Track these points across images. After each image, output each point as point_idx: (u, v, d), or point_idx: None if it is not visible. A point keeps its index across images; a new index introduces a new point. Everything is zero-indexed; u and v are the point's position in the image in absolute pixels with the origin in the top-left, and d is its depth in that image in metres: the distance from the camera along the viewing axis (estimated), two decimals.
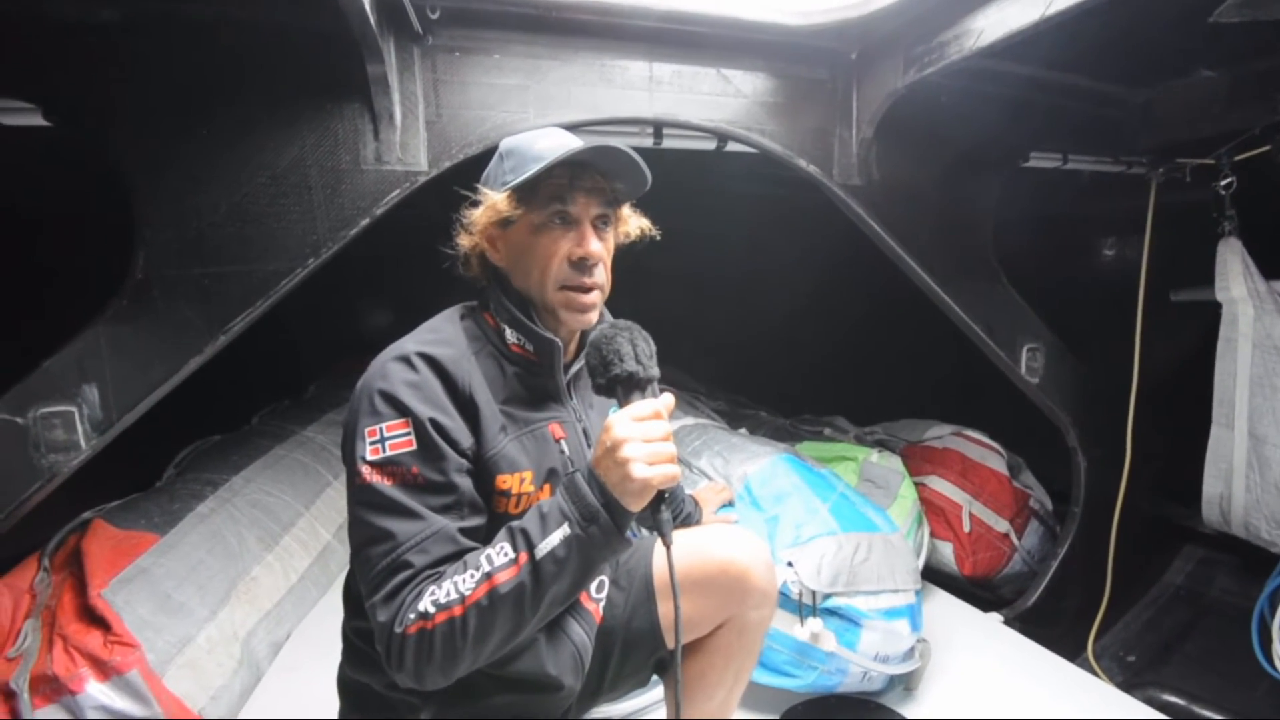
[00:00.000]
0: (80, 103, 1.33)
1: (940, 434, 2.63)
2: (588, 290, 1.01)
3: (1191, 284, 2.22)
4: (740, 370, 4.22)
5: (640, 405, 0.88)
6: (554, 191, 0.99)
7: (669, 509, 0.90)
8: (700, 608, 1.13)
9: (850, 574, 1.66)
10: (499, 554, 0.86)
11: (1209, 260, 2.09)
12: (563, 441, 1.04)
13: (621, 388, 0.92)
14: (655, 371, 0.95)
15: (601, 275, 1.03)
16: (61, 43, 1.30)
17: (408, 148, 1.46)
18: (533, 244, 1.01)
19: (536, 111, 1.55)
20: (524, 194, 0.99)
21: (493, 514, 0.96)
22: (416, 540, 0.86)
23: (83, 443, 1.32)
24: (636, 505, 0.86)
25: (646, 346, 0.95)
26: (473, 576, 0.84)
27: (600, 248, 1.01)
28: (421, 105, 1.47)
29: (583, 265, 1.00)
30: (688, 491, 1.61)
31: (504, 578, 0.84)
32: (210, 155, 1.36)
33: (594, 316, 1.04)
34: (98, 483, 1.75)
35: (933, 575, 2.32)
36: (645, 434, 0.85)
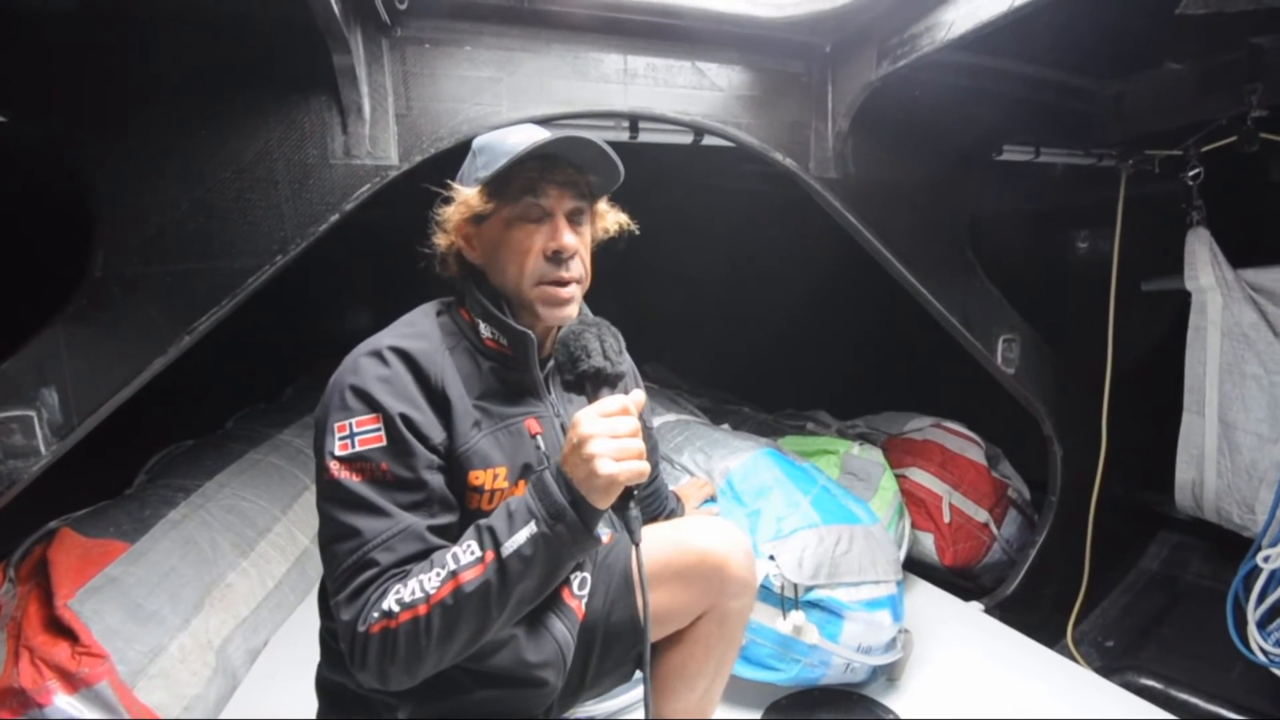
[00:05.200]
0: (35, 96, 1.28)
1: (920, 426, 2.65)
2: (565, 284, 1.01)
3: (1161, 274, 2.26)
4: (724, 367, 4.23)
5: (608, 401, 0.88)
6: (526, 185, 0.98)
7: (637, 505, 0.90)
8: (679, 598, 1.13)
9: (832, 566, 1.66)
10: (465, 552, 0.85)
11: (1178, 250, 2.12)
12: (539, 437, 1.03)
13: (590, 384, 0.92)
14: (624, 368, 0.95)
15: (578, 269, 1.02)
16: (14, 34, 1.25)
17: (377, 141, 1.43)
18: (507, 239, 1.00)
19: (510, 104, 1.53)
20: (496, 189, 0.99)
21: (466, 510, 0.95)
22: (383, 538, 0.85)
23: (43, 448, 1.27)
24: (604, 502, 0.85)
25: (615, 343, 0.95)
26: (438, 575, 0.83)
27: (575, 240, 1.01)
28: (391, 98, 1.44)
29: (558, 259, 0.99)
30: (670, 487, 1.60)
31: (469, 576, 0.83)
32: (171, 149, 1.32)
33: (572, 310, 1.03)
34: (65, 491, 1.71)
35: (914, 566, 2.34)
36: (612, 430, 0.84)
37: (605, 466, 0.82)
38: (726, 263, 4.38)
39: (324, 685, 1.08)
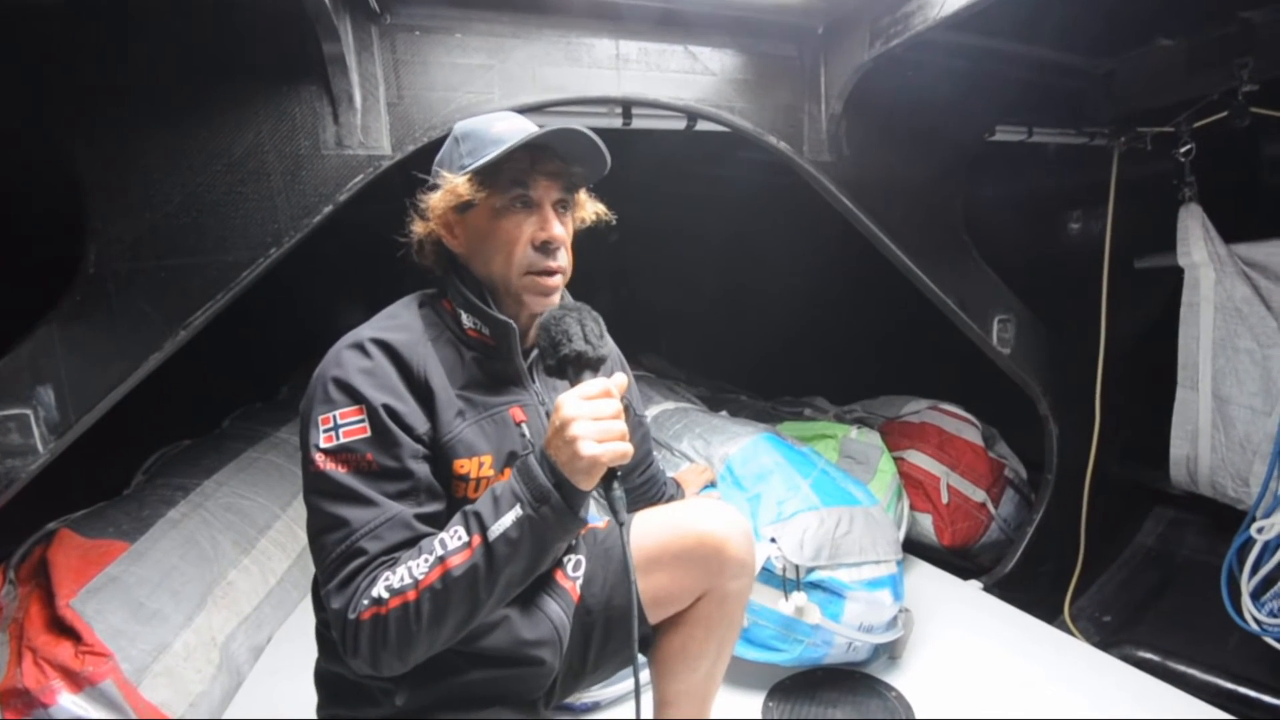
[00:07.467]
0: (23, 91, 1.27)
1: (917, 409, 2.66)
2: (552, 274, 1.01)
3: (1154, 251, 2.26)
4: (720, 357, 4.24)
5: (589, 384, 0.89)
6: (515, 175, 0.99)
7: (621, 486, 0.90)
8: (678, 580, 1.13)
9: (833, 547, 1.67)
10: (452, 537, 0.85)
11: (1171, 227, 2.13)
12: (524, 425, 1.03)
13: (571, 368, 0.93)
14: (605, 351, 0.96)
15: (564, 258, 1.03)
16: (1, 30, 1.23)
17: (369, 131, 1.42)
18: (494, 228, 1.00)
19: (502, 92, 1.52)
20: (484, 178, 0.98)
21: (453, 499, 0.96)
22: (371, 527, 0.86)
23: (40, 446, 1.27)
24: (587, 483, 0.86)
25: (595, 327, 0.96)
26: (426, 561, 0.84)
27: (563, 231, 1.02)
28: (382, 87, 1.43)
29: (546, 249, 1.00)
30: (669, 474, 1.61)
31: (457, 561, 0.83)
32: (161, 143, 1.31)
33: (557, 299, 1.04)
34: (62, 493, 1.70)
35: (913, 546, 2.36)
36: (594, 412, 0.85)
37: (588, 448, 0.83)
38: (722, 253, 4.38)
39: (322, 678, 1.08)
